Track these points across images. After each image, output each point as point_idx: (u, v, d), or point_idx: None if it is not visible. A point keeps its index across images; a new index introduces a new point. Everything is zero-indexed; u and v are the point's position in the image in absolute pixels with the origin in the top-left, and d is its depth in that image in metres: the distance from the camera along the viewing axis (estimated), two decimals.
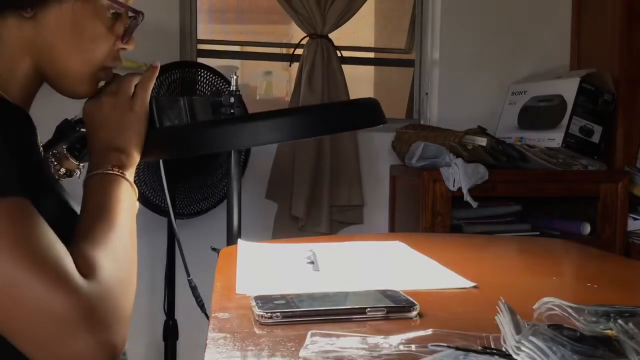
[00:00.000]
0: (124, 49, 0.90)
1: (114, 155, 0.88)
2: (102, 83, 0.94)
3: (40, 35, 0.83)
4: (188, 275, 1.69)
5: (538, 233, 2.46)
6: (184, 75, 2.29)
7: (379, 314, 0.74)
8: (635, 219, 2.47)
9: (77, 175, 1.15)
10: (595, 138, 2.52)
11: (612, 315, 0.68)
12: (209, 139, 0.90)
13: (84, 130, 1.08)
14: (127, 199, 0.84)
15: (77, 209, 0.87)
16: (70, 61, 0.85)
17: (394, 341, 0.66)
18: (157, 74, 0.95)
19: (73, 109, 1.06)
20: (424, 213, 2.32)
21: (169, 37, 2.59)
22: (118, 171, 0.85)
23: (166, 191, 1.34)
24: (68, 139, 1.11)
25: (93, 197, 0.83)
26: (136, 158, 0.91)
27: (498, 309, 0.66)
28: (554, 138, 2.48)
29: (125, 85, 0.93)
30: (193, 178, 2.34)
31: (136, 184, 0.88)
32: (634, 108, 2.57)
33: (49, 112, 1.20)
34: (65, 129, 1.08)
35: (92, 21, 0.85)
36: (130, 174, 0.88)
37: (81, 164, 1.16)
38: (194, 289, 1.74)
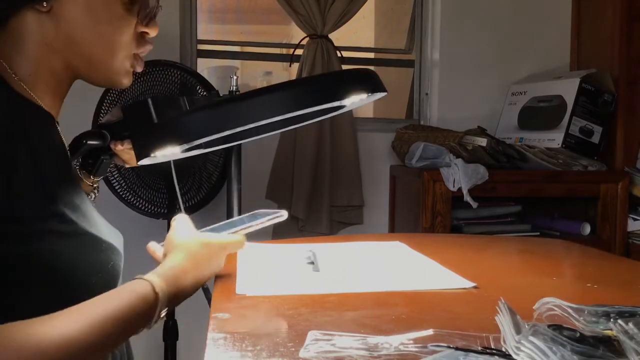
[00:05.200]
0: (146, 32, 0.89)
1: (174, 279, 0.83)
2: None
3: (60, 28, 0.82)
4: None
5: (538, 233, 2.46)
6: (183, 78, 2.28)
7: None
8: (635, 219, 2.47)
9: (92, 198, 1.14)
10: (595, 138, 2.52)
11: (612, 315, 0.68)
12: (207, 123, 0.84)
13: (92, 142, 1.07)
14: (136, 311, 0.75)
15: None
16: (94, 48, 0.84)
17: (394, 341, 0.66)
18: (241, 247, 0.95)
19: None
20: (424, 213, 2.32)
21: (169, 38, 2.59)
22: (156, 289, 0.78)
23: (178, 192, 1.33)
24: (78, 155, 1.09)
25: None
26: (181, 297, 0.84)
27: (498, 309, 0.66)
28: (554, 138, 2.48)
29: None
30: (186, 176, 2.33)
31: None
32: (634, 108, 2.57)
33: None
34: (75, 145, 1.06)
35: (107, 4, 0.83)
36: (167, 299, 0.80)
37: (95, 186, 1.15)
38: (206, 290, 1.75)
